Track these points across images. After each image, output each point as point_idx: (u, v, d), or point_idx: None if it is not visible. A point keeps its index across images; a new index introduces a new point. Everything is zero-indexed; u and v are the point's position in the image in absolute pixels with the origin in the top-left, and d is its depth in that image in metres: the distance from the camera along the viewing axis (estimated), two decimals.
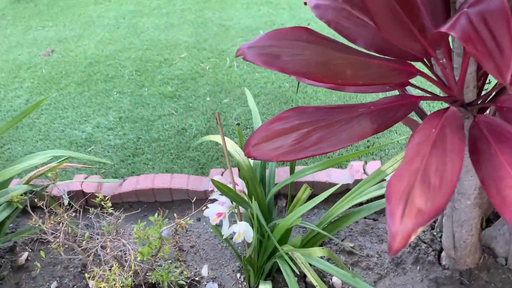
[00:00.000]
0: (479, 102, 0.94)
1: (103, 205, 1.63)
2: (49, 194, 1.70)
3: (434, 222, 1.90)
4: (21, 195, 1.59)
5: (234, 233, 1.33)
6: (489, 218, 1.81)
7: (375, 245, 1.87)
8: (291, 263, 1.32)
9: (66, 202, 1.89)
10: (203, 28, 3.43)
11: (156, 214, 1.32)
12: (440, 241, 1.81)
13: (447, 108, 0.86)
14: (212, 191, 1.42)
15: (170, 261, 1.69)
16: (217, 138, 1.57)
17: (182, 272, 1.52)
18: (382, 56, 0.91)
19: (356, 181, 2.01)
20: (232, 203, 1.40)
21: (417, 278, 1.73)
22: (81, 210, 1.77)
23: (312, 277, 1.33)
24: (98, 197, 1.62)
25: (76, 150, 2.35)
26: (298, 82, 1.32)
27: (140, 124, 2.51)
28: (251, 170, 1.47)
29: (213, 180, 1.23)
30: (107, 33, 3.46)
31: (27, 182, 1.68)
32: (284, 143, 0.84)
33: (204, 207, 1.34)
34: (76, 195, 1.99)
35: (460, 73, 0.89)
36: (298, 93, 2.70)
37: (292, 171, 1.52)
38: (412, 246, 1.83)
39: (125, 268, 1.39)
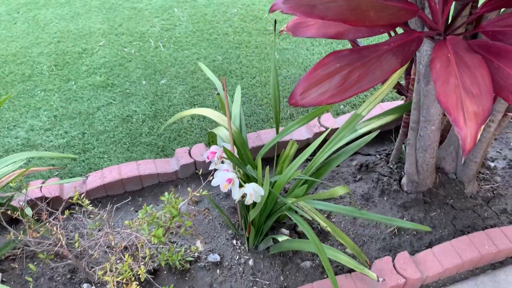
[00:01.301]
0: (461, 31, 1.11)
1: (80, 205, 1.55)
2: (22, 205, 1.56)
3: (388, 156, 2.13)
4: None
5: (246, 194, 1.37)
6: None
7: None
8: (302, 212, 1.41)
9: (29, 212, 1.75)
10: (114, 13, 3.26)
11: (166, 194, 1.30)
12: (398, 172, 2.05)
13: (445, 38, 1.01)
14: (210, 162, 1.44)
15: (168, 241, 1.68)
16: (201, 111, 1.57)
17: (189, 248, 1.53)
18: None
19: (317, 134, 2.16)
20: (235, 169, 1.44)
21: (387, 207, 1.95)
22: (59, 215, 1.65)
23: (321, 220, 1.44)
24: (74, 197, 1.54)
25: None
26: (275, 31, 1.39)
27: (79, 119, 2.35)
28: (240, 135, 1.51)
29: (225, 149, 1.26)
30: (4, 30, 3.11)
31: None
32: (329, 86, 0.90)
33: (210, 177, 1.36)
34: (53, 201, 1.84)
35: (446, 8, 1.04)
36: (234, 63, 2.74)
37: (277, 131, 1.59)
38: (375, 181, 2.04)
39: (139, 256, 1.36)
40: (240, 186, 1.38)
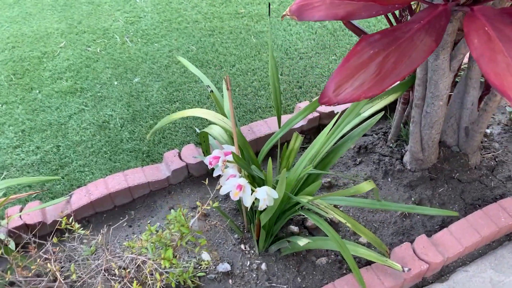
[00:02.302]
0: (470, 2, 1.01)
1: (70, 229, 1.39)
2: (5, 240, 1.39)
3: (385, 135, 2.05)
4: None
5: (258, 200, 1.25)
6: None
7: (346, 173, 1.96)
8: (318, 210, 1.30)
9: (13, 246, 1.56)
10: (70, 10, 3.00)
11: (172, 211, 1.16)
12: (398, 150, 1.97)
13: (471, 10, 0.90)
14: (213, 168, 1.31)
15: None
16: (194, 112, 1.42)
17: (197, 262, 1.41)
18: None
19: (310, 120, 2.04)
20: (240, 172, 1.31)
21: (392, 189, 1.87)
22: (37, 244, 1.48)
23: (340, 217, 1.34)
24: (63, 223, 1.38)
25: None
26: (269, 8, 1.26)
27: (50, 131, 2.15)
28: (241, 135, 1.38)
29: (233, 153, 1.12)
30: None
31: None
32: (366, 77, 0.79)
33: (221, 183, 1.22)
34: (36, 228, 1.66)
35: None
36: (210, 52, 2.58)
37: (279, 124, 1.47)
38: (377, 163, 1.96)
39: (148, 281, 1.22)
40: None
